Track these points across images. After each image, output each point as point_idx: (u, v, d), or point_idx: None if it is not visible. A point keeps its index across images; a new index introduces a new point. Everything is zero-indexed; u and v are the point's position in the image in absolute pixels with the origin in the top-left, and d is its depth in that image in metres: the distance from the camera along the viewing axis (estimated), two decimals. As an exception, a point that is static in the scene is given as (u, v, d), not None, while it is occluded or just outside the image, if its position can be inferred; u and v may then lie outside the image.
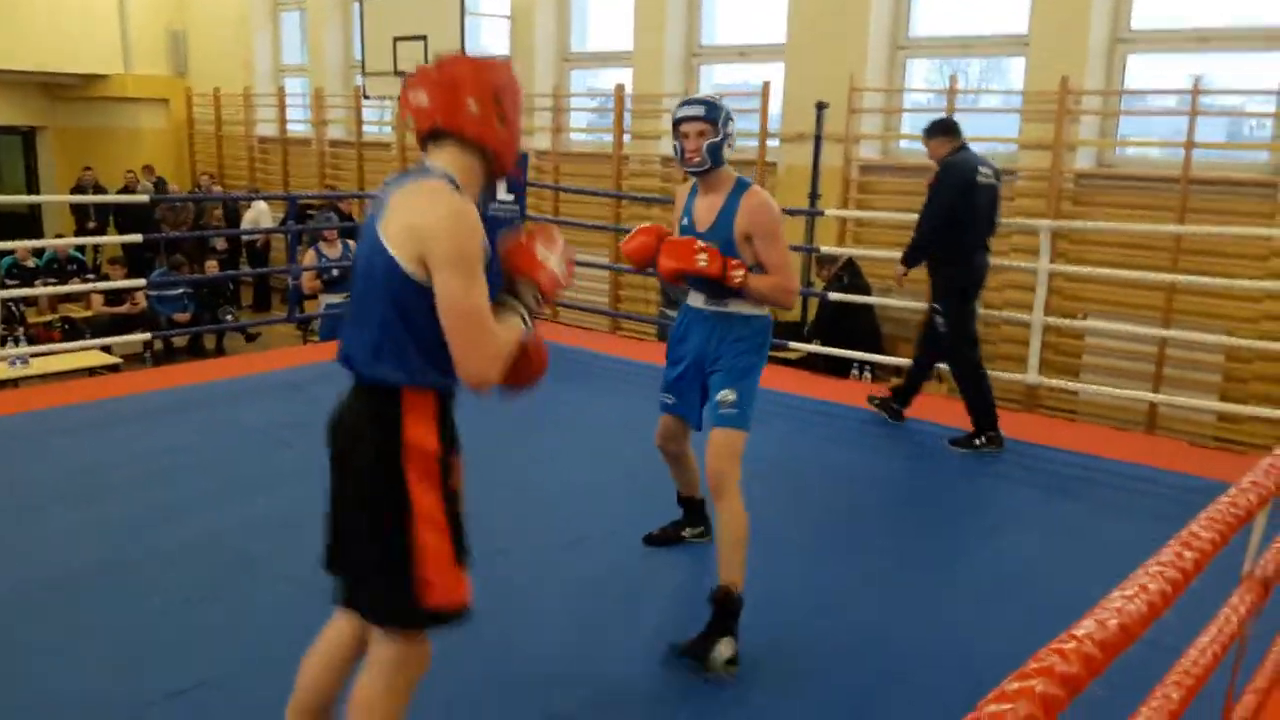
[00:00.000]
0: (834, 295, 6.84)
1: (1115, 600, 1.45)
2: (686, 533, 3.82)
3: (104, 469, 4.41)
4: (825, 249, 7.28)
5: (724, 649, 2.94)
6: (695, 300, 3.38)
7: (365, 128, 12.44)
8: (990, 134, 8.04)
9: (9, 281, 9.63)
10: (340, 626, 2.15)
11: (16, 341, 8.60)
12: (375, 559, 1.95)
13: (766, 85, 8.60)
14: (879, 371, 6.98)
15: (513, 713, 2.73)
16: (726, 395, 3.16)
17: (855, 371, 6.95)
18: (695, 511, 3.80)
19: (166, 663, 2.91)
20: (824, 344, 6.73)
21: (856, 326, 6.87)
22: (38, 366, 7.25)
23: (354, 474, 1.97)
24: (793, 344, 6.81)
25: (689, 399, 3.40)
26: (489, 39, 11.71)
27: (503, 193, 7.59)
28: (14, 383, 7.04)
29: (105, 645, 2.99)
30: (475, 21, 11.03)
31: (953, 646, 3.14)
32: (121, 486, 4.22)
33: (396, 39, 10.92)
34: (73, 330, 10.00)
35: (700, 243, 3.18)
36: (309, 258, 7.99)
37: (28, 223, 14.10)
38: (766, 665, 2.99)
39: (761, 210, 3.17)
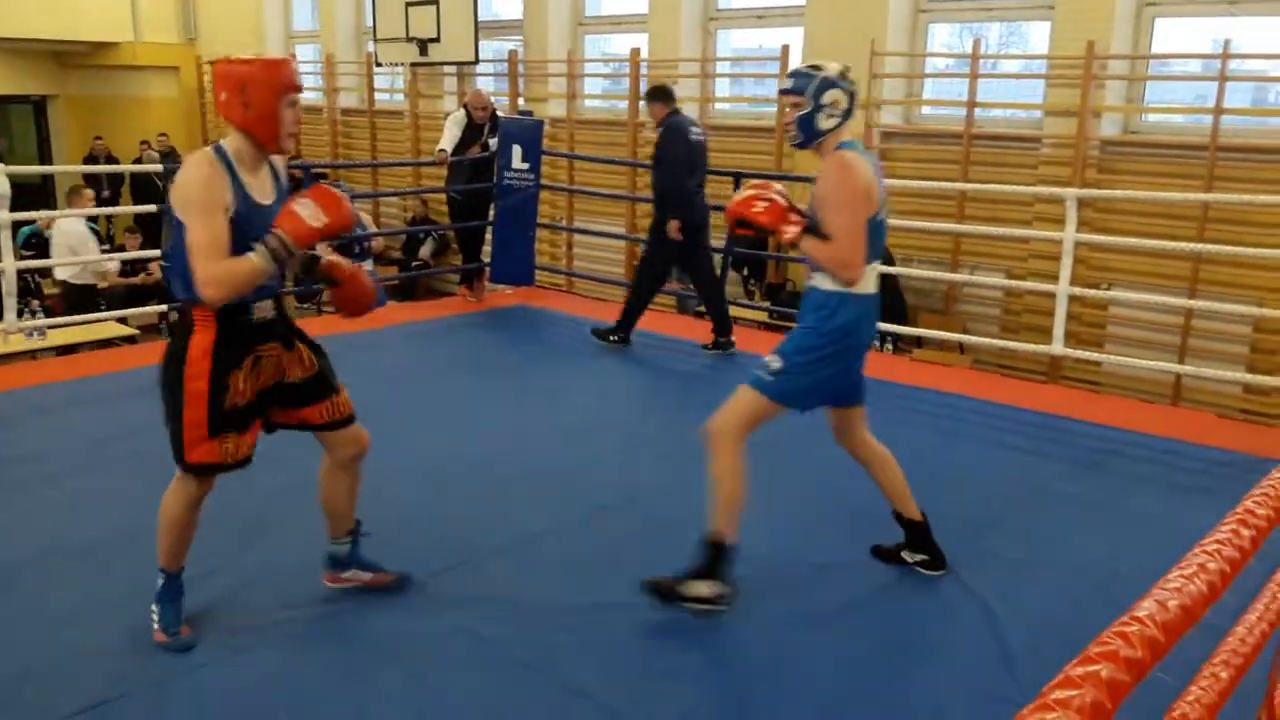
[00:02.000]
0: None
1: (1174, 580, 1.39)
2: (905, 555, 3.43)
3: (120, 440, 4.39)
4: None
5: (705, 588, 3.02)
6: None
7: (377, 95, 12.34)
8: (1013, 99, 7.92)
9: (24, 253, 9.59)
10: None
11: (34, 313, 8.58)
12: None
13: (785, 49, 8.47)
14: (900, 343, 6.90)
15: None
16: (769, 359, 3.09)
17: (876, 342, 6.86)
18: (911, 532, 3.38)
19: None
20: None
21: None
22: (54, 338, 7.22)
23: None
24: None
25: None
26: (501, 4, 11.58)
27: (518, 160, 7.49)
28: (31, 354, 7.01)
29: (126, 613, 2.96)
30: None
31: (982, 620, 3.10)
32: (138, 457, 4.19)
33: (408, 4, 10.80)
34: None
35: (775, 188, 3.12)
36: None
37: (41, 193, 14.07)
38: (784, 627, 2.96)
39: (825, 176, 3.02)
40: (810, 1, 8.35)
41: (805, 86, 3.00)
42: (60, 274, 8.48)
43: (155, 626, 2.83)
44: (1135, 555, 3.49)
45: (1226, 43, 6.39)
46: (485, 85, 11.12)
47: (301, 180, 6.97)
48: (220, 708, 2.59)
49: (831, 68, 3.03)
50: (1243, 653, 1.87)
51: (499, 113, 7.84)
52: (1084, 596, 3.25)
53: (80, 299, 8.27)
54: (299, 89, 2.69)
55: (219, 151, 2.62)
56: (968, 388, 5.47)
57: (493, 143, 7.53)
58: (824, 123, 3.00)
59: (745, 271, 8.72)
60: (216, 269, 2.51)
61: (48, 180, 14.32)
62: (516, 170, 7.51)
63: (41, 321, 7.22)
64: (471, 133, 7.47)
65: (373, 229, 7.94)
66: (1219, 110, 6.38)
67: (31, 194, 13.61)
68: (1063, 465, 4.45)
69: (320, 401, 2.88)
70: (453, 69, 11.08)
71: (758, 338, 6.77)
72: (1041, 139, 7.29)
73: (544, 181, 8.08)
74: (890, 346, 6.89)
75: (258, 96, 2.59)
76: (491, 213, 7.69)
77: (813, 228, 3.04)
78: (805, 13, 8.40)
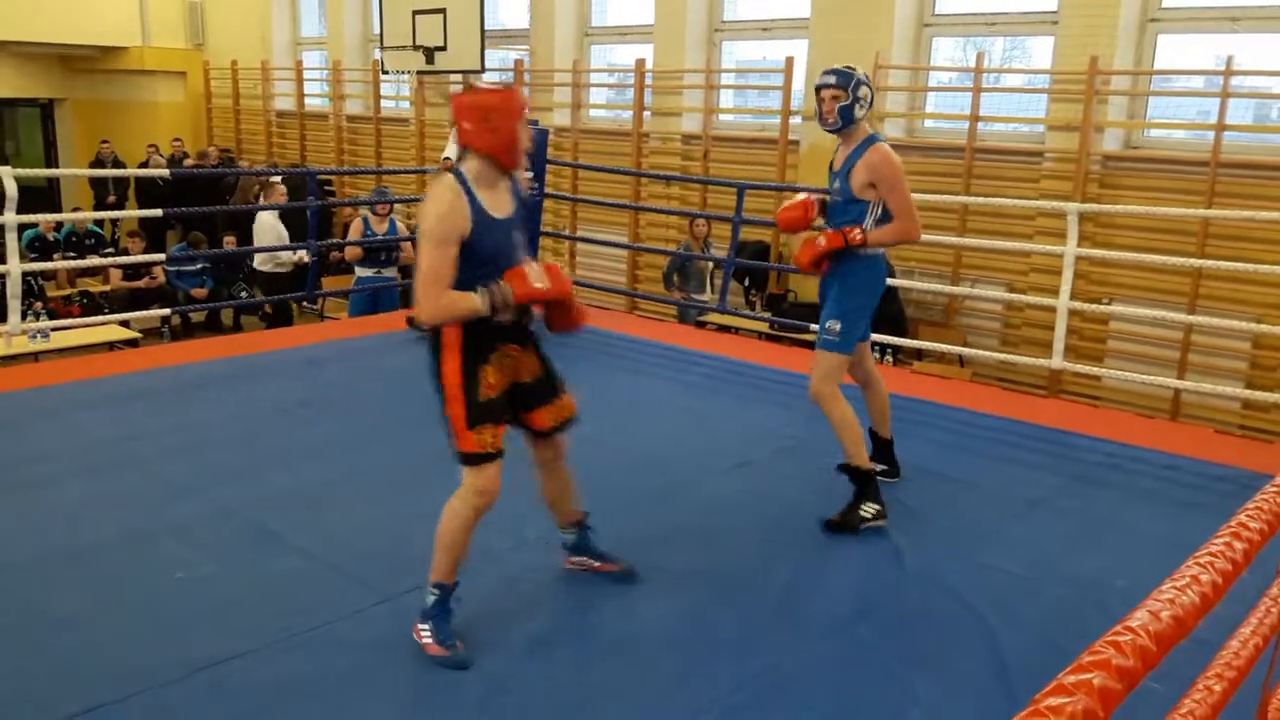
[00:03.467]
0: (855, 276, 6.76)
1: (1167, 592, 1.41)
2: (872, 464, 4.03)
3: (123, 443, 4.41)
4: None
5: (865, 510, 3.76)
6: None
7: (383, 103, 12.39)
8: (1016, 114, 7.95)
9: (29, 255, 9.64)
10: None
11: (37, 315, 8.62)
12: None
13: (789, 61, 8.51)
14: (900, 355, 6.92)
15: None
16: (829, 324, 3.84)
17: (875, 354, 6.87)
18: (880, 447, 4.22)
19: (185, 636, 2.91)
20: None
21: (879, 308, 6.79)
22: (57, 340, 7.23)
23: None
24: (812, 326, 6.74)
25: None
26: (507, 13, 11.63)
27: (523, 170, 7.53)
28: (34, 356, 7.04)
29: (124, 618, 2.99)
30: (495, -5, 10.98)
31: (979, 630, 3.11)
32: (140, 460, 4.22)
33: (416, 12, 10.85)
34: (91, 305, 10.01)
35: (817, 230, 3.90)
36: (356, 228, 7.96)
37: (47, 195, 14.13)
38: (783, 630, 2.97)
39: (883, 164, 3.72)
40: (815, 14, 8.39)
41: (846, 82, 3.68)
42: (260, 264, 9.77)
43: (427, 640, 2.88)
44: (1133, 569, 3.50)
45: (1229, 59, 6.42)
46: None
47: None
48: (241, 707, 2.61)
49: (860, 69, 3.73)
50: (1236, 665, 1.88)
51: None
52: (1081, 610, 3.26)
53: (275, 287, 9.50)
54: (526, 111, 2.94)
55: (459, 177, 2.82)
56: (967, 401, 5.48)
57: None
58: (858, 112, 3.71)
59: (746, 283, 8.75)
60: (439, 300, 2.76)
61: (53, 183, 14.38)
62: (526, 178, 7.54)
63: (45, 324, 7.25)
64: None
65: (404, 234, 7.97)
66: (1221, 126, 6.41)
67: (37, 196, 13.69)
68: (1061, 479, 4.46)
69: (548, 404, 3.08)
70: (459, 78, 11.13)
71: (759, 348, 6.80)
72: (1043, 153, 7.32)
73: (548, 191, 8.10)
74: (890, 359, 6.91)
75: (501, 124, 2.81)
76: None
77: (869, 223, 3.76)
78: (811, 25, 8.45)
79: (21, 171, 6.10)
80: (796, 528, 3.84)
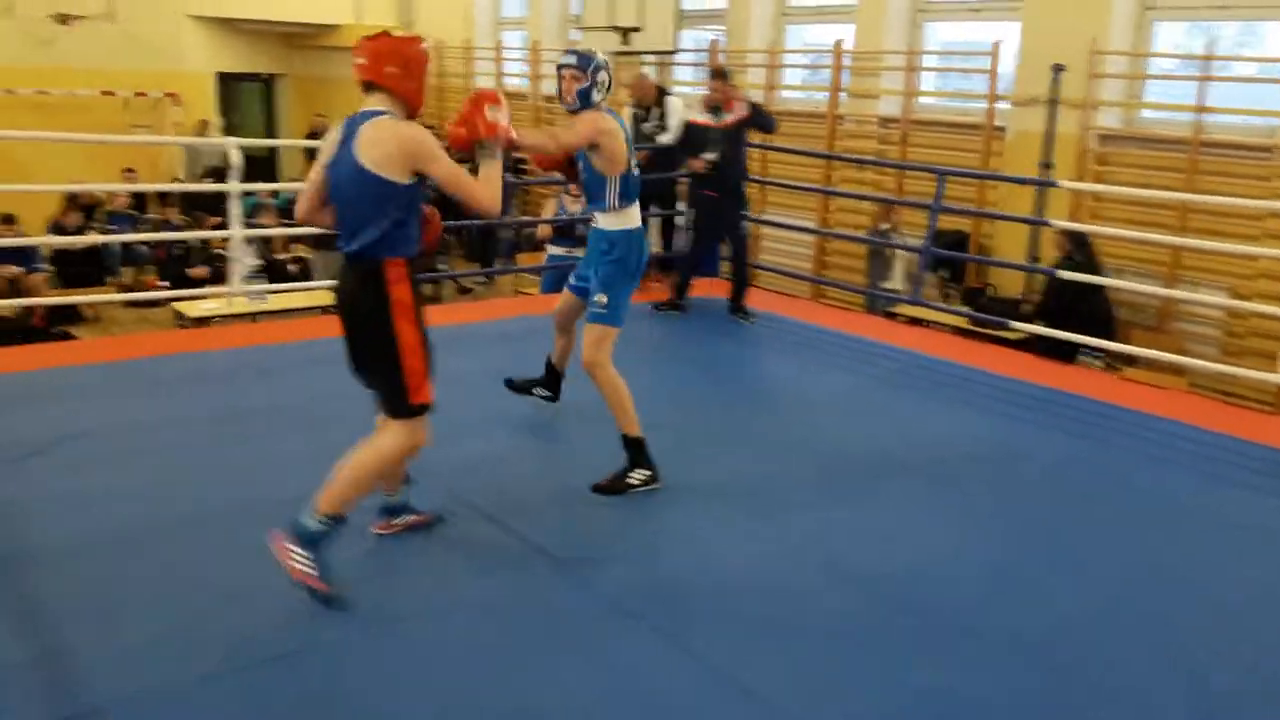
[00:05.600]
0: (1062, 274, 6.40)
1: None
2: (535, 391, 4.56)
3: (326, 400, 4.59)
4: (1056, 222, 6.82)
5: (634, 477, 3.85)
6: None
7: (579, 82, 12.55)
8: (1247, 105, 7.32)
9: (249, 221, 10.29)
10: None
11: (258, 278, 9.18)
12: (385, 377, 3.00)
13: (997, 45, 8.13)
14: (1110, 358, 6.52)
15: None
16: (598, 298, 3.95)
17: (1084, 356, 6.50)
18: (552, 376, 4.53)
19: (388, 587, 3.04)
20: (1051, 326, 6.30)
21: (1086, 309, 6.43)
22: (274, 302, 7.71)
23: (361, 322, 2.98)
24: (1014, 323, 6.44)
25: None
26: (705, -7, 11.56)
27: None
28: (252, 316, 7.53)
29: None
30: (693, -25, 10.92)
31: (1185, 668, 2.90)
32: (341, 419, 4.44)
33: (615, -8, 10.91)
34: (305, 270, 10.60)
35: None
36: (550, 208, 8.16)
37: (267, 164, 15.08)
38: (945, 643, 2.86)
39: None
40: (1030, -5, 7.97)
41: (586, 64, 3.88)
42: None
43: (307, 570, 2.84)
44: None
45: None
46: (680, 75, 11.14)
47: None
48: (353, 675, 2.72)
49: (601, 54, 3.95)
50: None
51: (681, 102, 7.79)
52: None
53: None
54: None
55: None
56: (1181, 412, 5.11)
57: (645, 127, 7.49)
58: (595, 95, 3.91)
59: (944, 273, 8.44)
60: (486, 187, 2.99)
61: (273, 153, 15.31)
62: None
63: (263, 286, 7.73)
64: (636, 120, 7.52)
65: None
66: None
67: (259, 166, 14.64)
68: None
69: None
70: (653, 58, 11.15)
71: (952, 343, 6.55)
72: (1276, 149, 6.72)
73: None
74: (1098, 361, 6.51)
75: (423, 73, 3.06)
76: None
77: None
78: (1024, 7, 8.03)
79: (246, 142, 6.52)
80: (988, 538, 3.68)
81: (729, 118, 6.53)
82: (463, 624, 2.98)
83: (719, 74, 6.81)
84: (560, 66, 3.93)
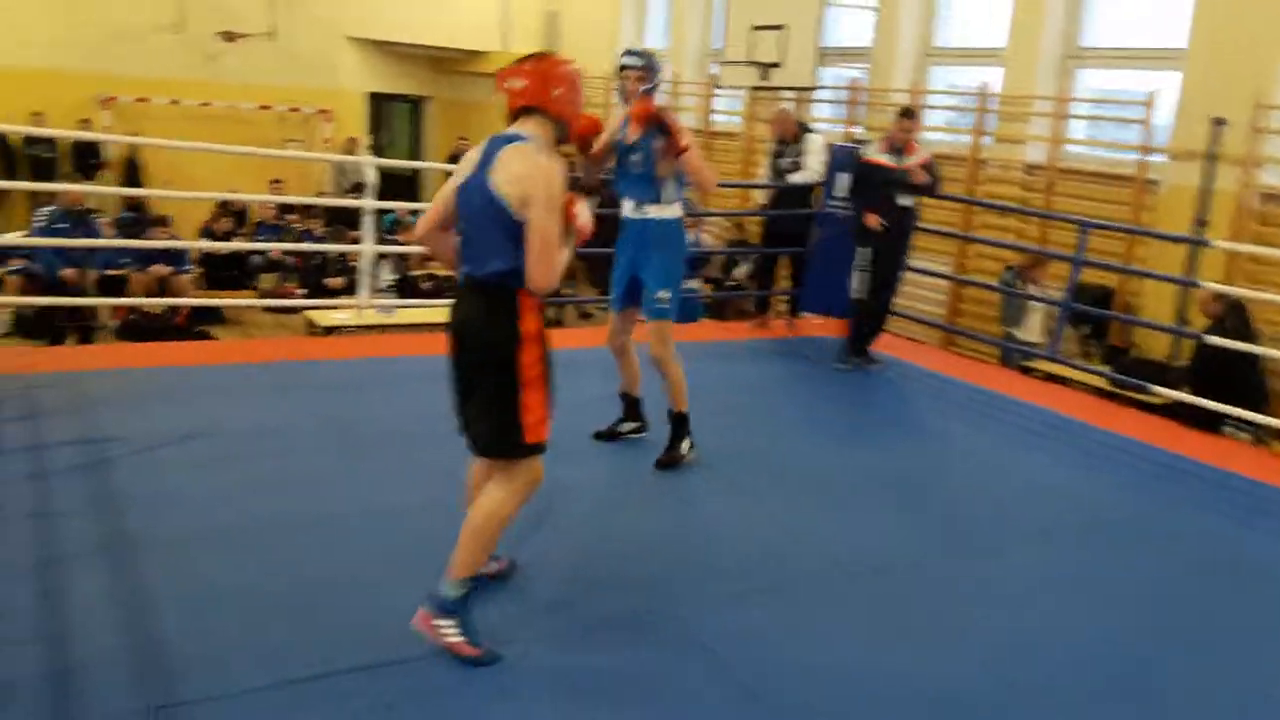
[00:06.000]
0: (1213, 339, 5.99)
1: None
2: (623, 428, 4.68)
3: (429, 419, 4.67)
4: (1207, 284, 6.42)
5: (684, 448, 4.38)
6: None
7: (716, 117, 12.57)
8: None
9: (387, 237, 10.60)
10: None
11: (387, 292, 9.44)
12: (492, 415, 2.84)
13: (1153, 94, 7.77)
14: (1260, 432, 6.07)
15: None
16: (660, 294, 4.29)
17: (1229, 427, 6.07)
18: (628, 407, 4.69)
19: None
20: (1196, 393, 5.91)
21: (1238, 377, 6.01)
22: (402, 316, 7.91)
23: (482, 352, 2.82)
24: (1156, 388, 6.07)
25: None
26: (848, 30, 11.44)
27: (843, 189, 7.32)
28: (381, 328, 7.72)
29: (407, 581, 3.10)
30: (835, 11, 10.81)
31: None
32: (438, 437, 4.49)
33: (755, 28, 10.91)
34: (436, 288, 10.84)
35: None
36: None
37: (409, 184, 15.56)
38: None
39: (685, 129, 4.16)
40: (1194, 42, 7.58)
41: (651, 64, 4.15)
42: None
43: (457, 639, 2.76)
44: None
45: None
46: (817, 111, 11.03)
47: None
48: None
49: (659, 54, 4.35)
50: None
51: (832, 142, 7.70)
52: None
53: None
54: None
55: (538, 144, 2.95)
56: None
57: (781, 163, 7.38)
58: (656, 95, 4.16)
59: (1085, 330, 8.06)
60: (559, 263, 2.78)
61: (416, 172, 15.80)
62: (839, 199, 7.34)
63: (393, 301, 7.93)
64: (773, 155, 7.43)
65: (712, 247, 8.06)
66: None
67: (401, 184, 15.15)
68: None
69: None
70: (791, 94, 11.08)
71: (1089, 404, 6.22)
72: None
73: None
74: (1245, 434, 6.07)
75: (579, 97, 3.07)
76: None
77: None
78: (1187, 56, 7.64)
79: (382, 162, 6.72)
80: (1103, 609, 3.43)
81: (910, 160, 6.28)
82: (543, 658, 2.92)
83: (909, 114, 6.48)
84: (624, 67, 4.15)
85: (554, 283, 2.72)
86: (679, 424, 4.38)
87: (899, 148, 6.31)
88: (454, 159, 14.14)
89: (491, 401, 2.78)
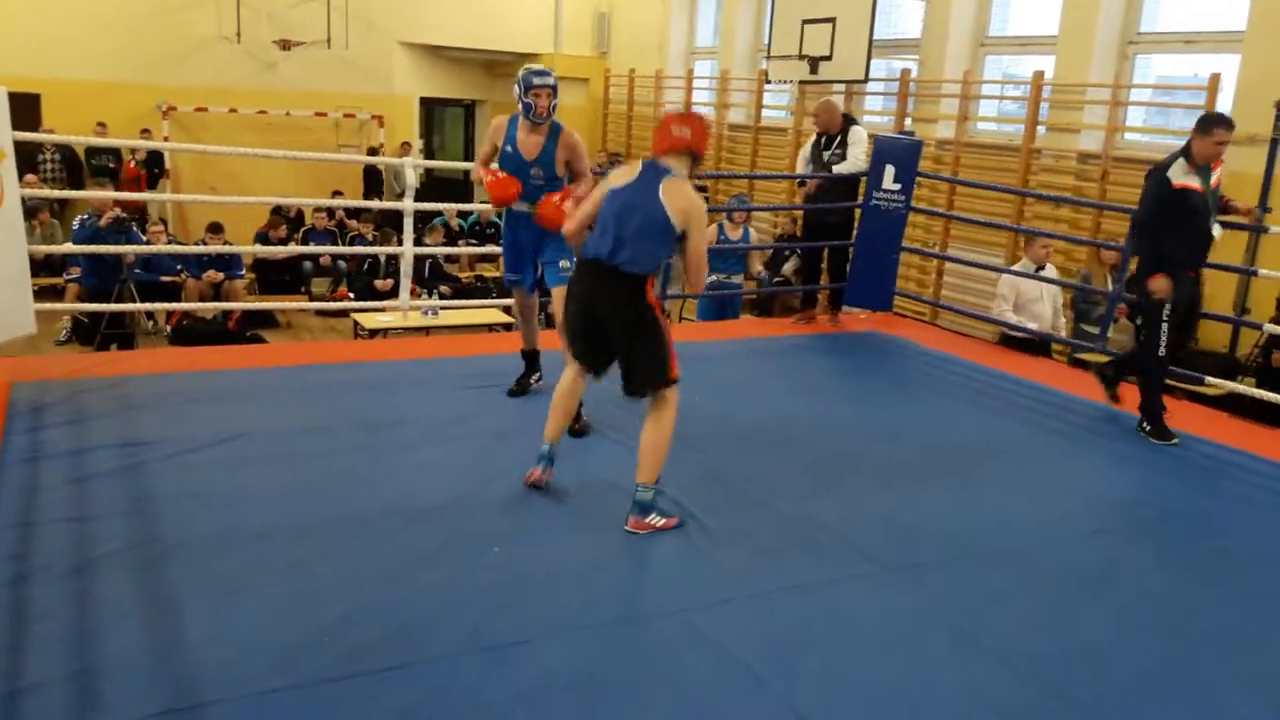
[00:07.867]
0: (1270, 328, 5.76)
1: None
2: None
3: (462, 421, 4.71)
4: (1267, 272, 6.17)
5: (533, 379, 5.19)
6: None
7: (765, 111, 12.47)
8: None
9: (471, 241, 10.67)
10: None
11: (431, 295, 9.53)
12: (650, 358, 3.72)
13: (1215, 78, 7.50)
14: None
15: None
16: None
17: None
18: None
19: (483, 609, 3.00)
20: (1263, 385, 5.67)
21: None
22: (445, 318, 7.97)
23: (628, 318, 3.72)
24: (1211, 379, 5.85)
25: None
26: (900, 22, 11.27)
27: (889, 181, 7.19)
28: (424, 331, 7.78)
29: (431, 581, 3.14)
30: (886, 3, 10.64)
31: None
32: (476, 436, 4.52)
33: (805, 22, 10.78)
34: (483, 289, 10.93)
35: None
36: (710, 233, 8.11)
37: (464, 186, 15.68)
38: None
39: (578, 141, 4.83)
40: (1253, 25, 7.31)
41: (555, 83, 4.70)
42: None
43: (661, 522, 3.62)
44: None
45: None
46: (869, 104, 10.86)
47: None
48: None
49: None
50: None
51: (876, 133, 7.56)
52: None
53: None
54: None
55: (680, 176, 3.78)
56: None
57: (825, 155, 7.24)
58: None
59: (1138, 321, 7.78)
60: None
61: (468, 175, 15.90)
62: (886, 191, 7.20)
63: (435, 302, 7.99)
64: (816, 148, 7.30)
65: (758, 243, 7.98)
66: None
67: (456, 188, 15.29)
68: None
69: None
70: (841, 87, 10.94)
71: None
72: None
73: (918, 205, 7.72)
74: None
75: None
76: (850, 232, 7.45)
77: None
78: (1245, 39, 7.37)
79: (422, 163, 6.80)
80: (1143, 608, 3.30)
81: (1216, 177, 4.98)
82: (563, 656, 2.89)
83: (1225, 122, 4.88)
84: (541, 87, 4.60)
85: (705, 282, 3.94)
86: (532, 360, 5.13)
87: (1207, 165, 4.91)
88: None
89: (649, 353, 3.66)
